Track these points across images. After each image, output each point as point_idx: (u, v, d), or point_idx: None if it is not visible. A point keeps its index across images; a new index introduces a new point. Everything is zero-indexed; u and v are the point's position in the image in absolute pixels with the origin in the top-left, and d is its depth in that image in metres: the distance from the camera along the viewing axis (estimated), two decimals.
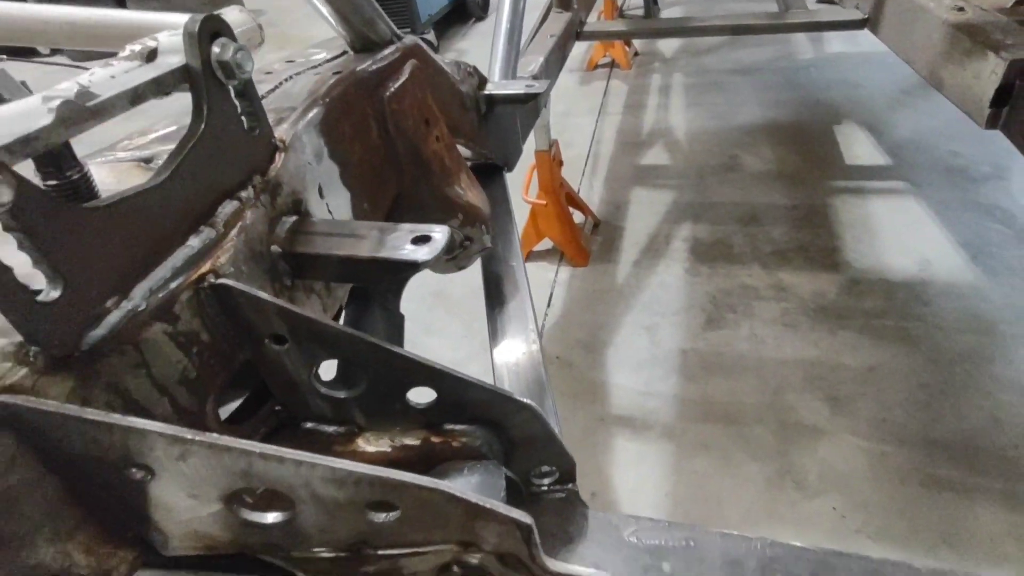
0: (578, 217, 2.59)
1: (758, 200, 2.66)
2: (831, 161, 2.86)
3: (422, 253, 0.62)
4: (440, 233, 0.64)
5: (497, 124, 1.39)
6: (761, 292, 2.17)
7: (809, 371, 1.85)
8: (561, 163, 2.38)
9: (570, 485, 0.78)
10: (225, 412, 0.65)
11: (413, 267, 0.62)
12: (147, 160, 0.67)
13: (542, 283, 2.36)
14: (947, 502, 1.48)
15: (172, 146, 0.56)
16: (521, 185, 2.38)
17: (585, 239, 2.53)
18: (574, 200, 2.56)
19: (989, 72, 1.30)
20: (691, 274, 2.30)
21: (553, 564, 0.58)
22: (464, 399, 0.68)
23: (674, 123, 3.45)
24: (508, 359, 1.04)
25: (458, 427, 0.70)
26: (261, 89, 0.89)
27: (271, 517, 0.48)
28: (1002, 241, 2.24)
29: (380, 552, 0.56)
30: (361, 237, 0.66)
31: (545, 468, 0.77)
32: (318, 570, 0.56)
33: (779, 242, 2.39)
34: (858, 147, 2.92)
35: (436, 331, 2.15)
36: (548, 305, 2.27)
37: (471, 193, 1.11)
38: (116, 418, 0.41)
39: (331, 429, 0.68)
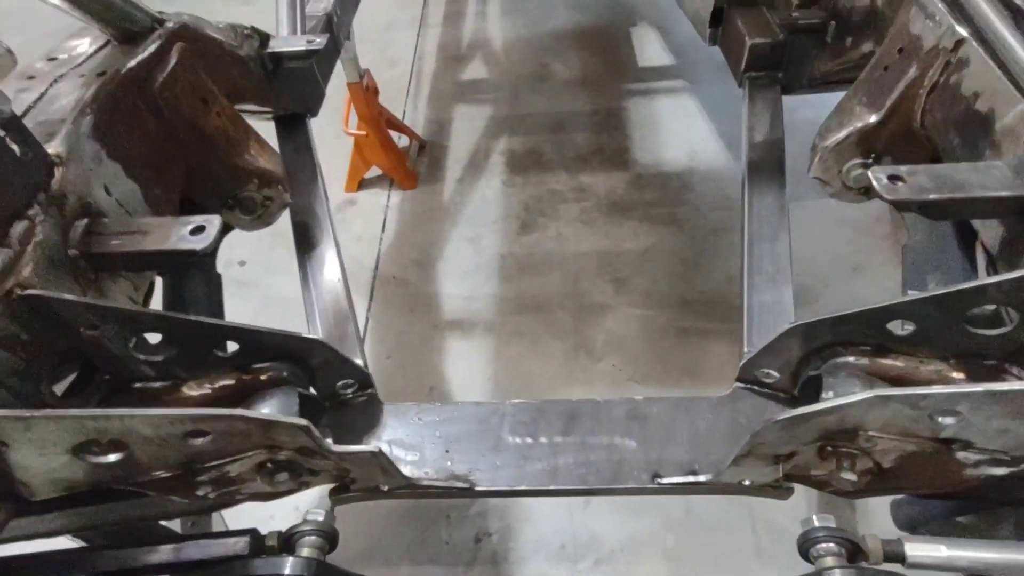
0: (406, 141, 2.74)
1: (565, 108, 2.95)
2: (627, 64, 3.18)
3: (199, 242, 0.82)
4: (213, 223, 0.84)
5: (290, 76, 1.46)
6: (566, 195, 2.52)
7: (601, 259, 2.26)
8: (376, 91, 2.49)
9: (369, 390, 1.05)
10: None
11: (193, 254, 0.81)
12: None
13: (375, 209, 2.54)
14: (691, 346, 1.98)
15: None
16: (341, 117, 2.47)
17: (412, 162, 2.71)
18: (397, 125, 2.70)
19: None
20: (508, 185, 2.59)
21: (336, 448, 0.85)
22: (263, 344, 0.91)
23: (491, 33, 3.58)
24: (319, 297, 1.24)
25: (263, 365, 0.94)
26: (27, 98, 0.97)
27: (112, 457, 0.71)
28: None
29: (207, 465, 0.80)
30: (146, 233, 0.83)
31: (346, 382, 1.03)
32: (164, 487, 0.80)
33: (581, 147, 2.73)
34: (649, 48, 3.26)
35: (277, 269, 2.30)
36: (383, 230, 2.48)
37: (263, 157, 1.26)
38: None
39: (158, 384, 0.89)
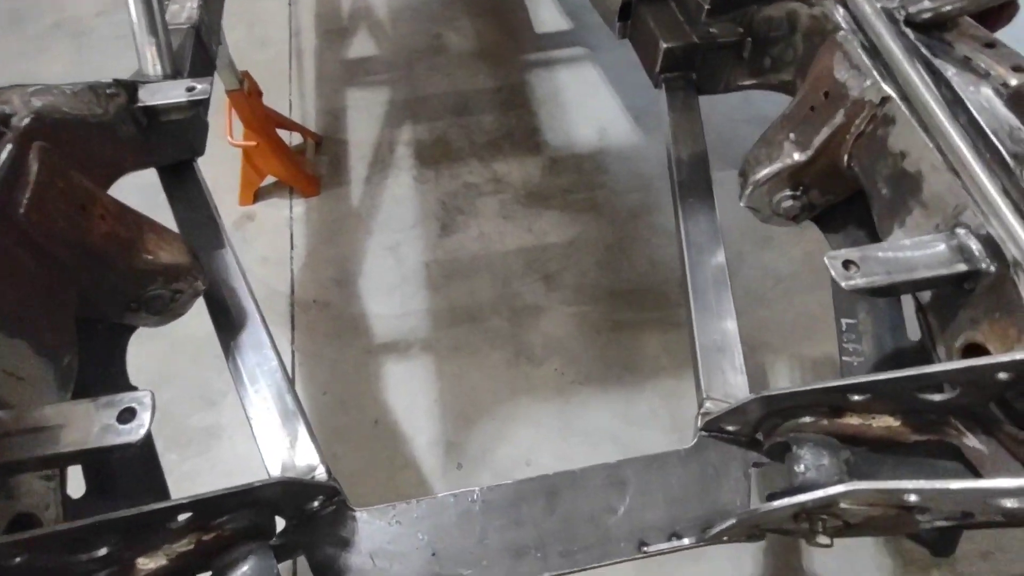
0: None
1: (466, 86, 2.80)
2: (523, 31, 3.05)
3: (130, 434, 0.70)
4: (143, 403, 0.72)
5: (169, 127, 1.28)
6: (482, 188, 2.43)
7: (527, 257, 2.24)
8: (260, 94, 2.23)
9: (336, 498, 0.99)
10: None
11: (126, 448, 0.70)
12: None
13: (278, 223, 2.34)
14: (626, 339, 2.04)
15: None
16: (223, 127, 2.20)
17: (311, 164, 2.50)
18: (287, 124, 2.45)
19: None
20: (419, 181, 2.46)
21: None
22: (221, 506, 0.82)
23: None
24: (257, 393, 1.13)
25: (222, 518, 0.85)
26: None
27: None
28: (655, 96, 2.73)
29: None
30: (61, 426, 0.70)
31: (313, 502, 0.96)
32: None
33: (490, 131, 2.63)
34: (544, 11, 3.14)
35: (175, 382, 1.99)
36: (292, 247, 2.30)
37: (164, 250, 1.10)
38: None
39: (105, 573, 0.78)
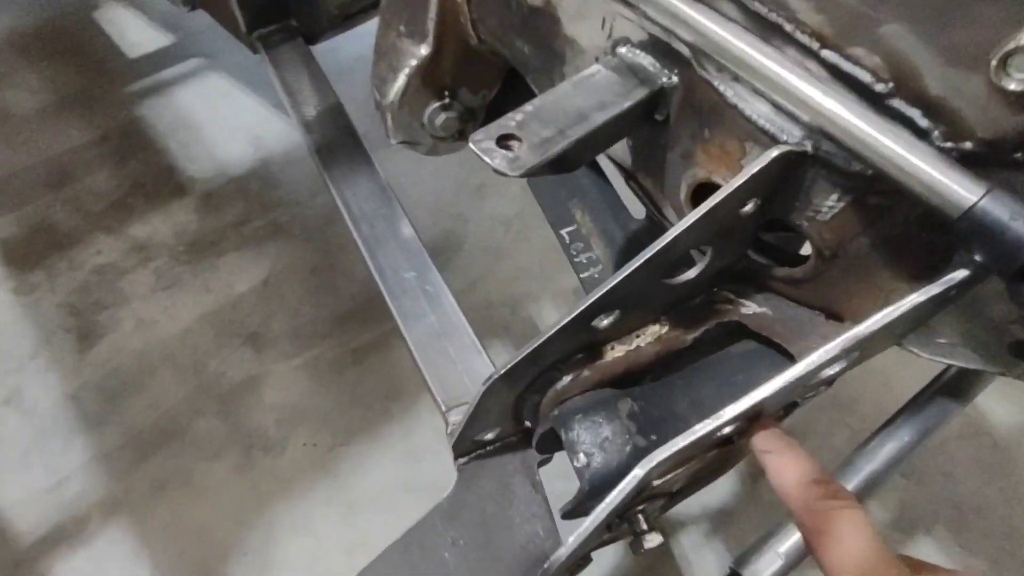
0: None
1: (57, 149, 2.09)
2: (113, 61, 2.39)
3: None
4: None
5: None
6: (121, 265, 1.80)
7: (216, 323, 1.69)
8: None
9: None
10: None
11: None
12: None
13: None
14: (375, 364, 1.63)
15: None
16: None
17: None
18: None
19: None
20: (23, 294, 1.74)
21: None
22: None
23: None
24: None
25: None
26: None
27: None
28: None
29: None
30: None
31: None
32: None
33: (108, 192, 1.97)
34: (132, 32, 2.50)
35: None
36: None
37: None
38: None
39: None
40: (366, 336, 1.68)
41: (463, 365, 0.86)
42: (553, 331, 0.57)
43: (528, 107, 0.56)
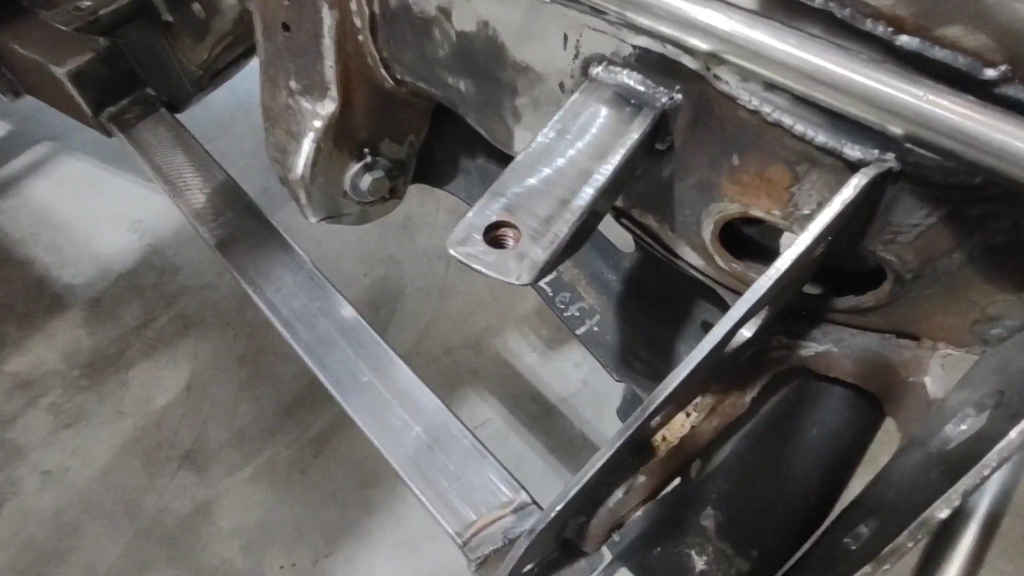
0: None
1: None
2: None
3: None
4: None
5: None
6: (6, 410, 1.50)
7: (140, 449, 1.43)
8: None
9: None
10: None
11: None
12: None
13: None
14: (341, 452, 1.43)
15: None
16: None
17: None
18: None
19: None
20: None
21: None
22: None
23: None
24: None
25: None
26: None
27: None
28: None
29: None
30: None
31: None
32: None
33: None
34: None
35: None
36: None
37: None
38: None
39: None
40: (320, 420, 1.47)
41: (469, 475, 0.70)
42: (604, 460, 0.42)
43: (509, 178, 0.41)
